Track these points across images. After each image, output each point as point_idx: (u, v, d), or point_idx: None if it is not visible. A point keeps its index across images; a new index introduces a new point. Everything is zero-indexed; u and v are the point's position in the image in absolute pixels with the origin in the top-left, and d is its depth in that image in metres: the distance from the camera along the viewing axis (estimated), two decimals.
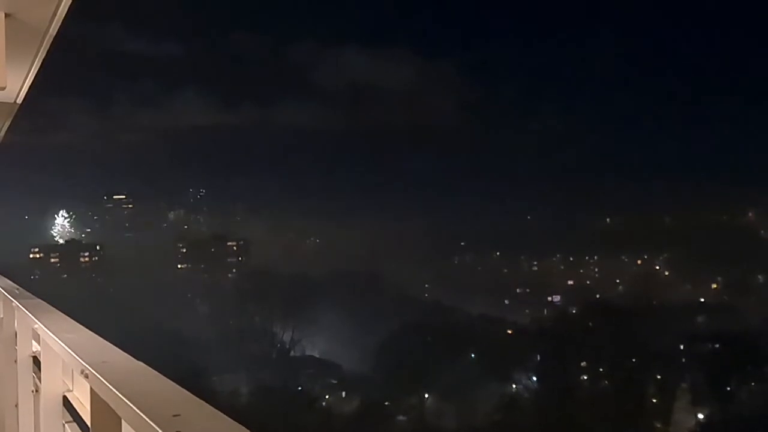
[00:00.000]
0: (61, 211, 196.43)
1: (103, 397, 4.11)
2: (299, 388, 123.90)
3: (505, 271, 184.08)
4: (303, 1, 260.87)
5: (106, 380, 4.11)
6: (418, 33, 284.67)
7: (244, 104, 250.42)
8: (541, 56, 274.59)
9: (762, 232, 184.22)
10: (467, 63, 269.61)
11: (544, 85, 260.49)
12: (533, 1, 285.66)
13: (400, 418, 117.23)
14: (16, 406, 8.27)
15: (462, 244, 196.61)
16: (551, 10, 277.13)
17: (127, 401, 3.65)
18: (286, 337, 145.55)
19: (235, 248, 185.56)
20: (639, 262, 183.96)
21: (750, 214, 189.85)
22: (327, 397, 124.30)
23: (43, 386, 6.78)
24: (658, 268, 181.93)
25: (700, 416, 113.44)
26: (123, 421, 3.83)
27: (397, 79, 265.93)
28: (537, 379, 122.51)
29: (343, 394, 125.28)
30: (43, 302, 8.59)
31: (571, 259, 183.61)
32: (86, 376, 4.64)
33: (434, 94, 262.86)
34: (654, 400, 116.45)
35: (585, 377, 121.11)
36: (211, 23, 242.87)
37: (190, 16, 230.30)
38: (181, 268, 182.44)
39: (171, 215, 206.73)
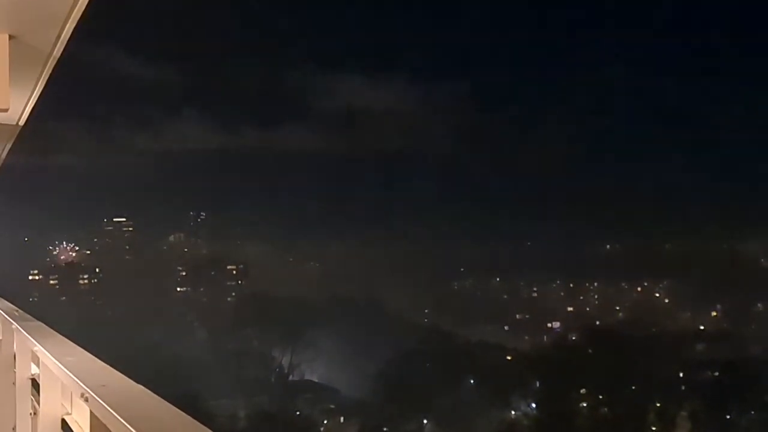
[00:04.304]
0: (60, 234, 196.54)
1: (103, 421, 4.09)
2: (297, 413, 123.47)
3: (505, 296, 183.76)
4: (302, 26, 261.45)
5: (106, 404, 4.09)
6: (417, 57, 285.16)
7: (244, 128, 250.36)
8: (541, 81, 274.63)
9: (762, 260, 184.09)
10: (466, 88, 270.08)
11: (544, 110, 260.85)
12: (534, 26, 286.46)
13: None
14: (14, 428, 8.23)
15: (461, 269, 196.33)
16: (551, 35, 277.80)
17: (127, 425, 3.63)
18: (285, 361, 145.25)
19: (234, 272, 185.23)
20: (639, 289, 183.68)
21: (750, 243, 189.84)
22: (325, 422, 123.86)
23: (42, 409, 6.74)
24: (658, 295, 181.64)
25: None
26: None
27: (397, 104, 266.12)
28: (536, 405, 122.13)
29: (342, 419, 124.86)
30: (43, 324, 8.56)
31: (571, 285, 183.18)
32: (86, 400, 4.62)
33: (434, 118, 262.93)
34: (654, 428, 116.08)
35: (584, 404, 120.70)
36: (212, 47, 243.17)
37: (190, 39, 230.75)
38: (180, 291, 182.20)
39: (171, 238, 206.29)
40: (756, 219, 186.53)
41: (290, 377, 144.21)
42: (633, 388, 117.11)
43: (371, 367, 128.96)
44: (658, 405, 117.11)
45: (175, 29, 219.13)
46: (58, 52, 7.26)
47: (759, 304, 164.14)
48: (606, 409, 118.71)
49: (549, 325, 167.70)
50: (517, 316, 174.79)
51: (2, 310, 10.33)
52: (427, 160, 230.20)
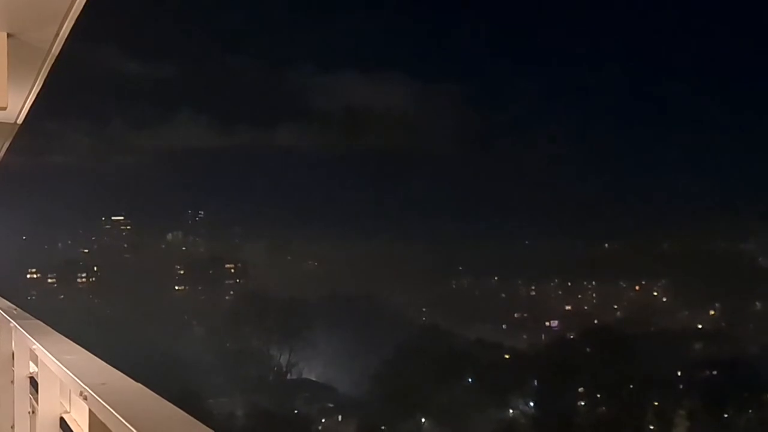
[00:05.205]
0: (59, 232, 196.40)
1: (102, 419, 4.08)
2: (295, 412, 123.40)
3: (503, 295, 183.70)
4: (301, 25, 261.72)
5: (105, 402, 4.08)
6: (417, 57, 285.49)
7: (242, 126, 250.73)
8: (541, 81, 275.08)
9: (760, 259, 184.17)
10: (467, 87, 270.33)
11: (543, 110, 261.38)
12: (534, 26, 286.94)
13: None
14: (12, 427, 8.22)
15: (460, 268, 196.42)
16: (552, 35, 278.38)
17: (126, 423, 3.62)
18: (283, 359, 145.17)
19: (232, 270, 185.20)
20: (637, 287, 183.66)
21: (749, 242, 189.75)
22: (323, 420, 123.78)
23: (40, 407, 6.73)
24: (656, 294, 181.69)
25: None
26: None
27: (396, 103, 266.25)
28: (534, 404, 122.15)
29: (340, 417, 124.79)
30: (41, 323, 8.54)
31: (569, 284, 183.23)
32: (85, 398, 4.61)
33: (433, 118, 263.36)
34: (651, 427, 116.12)
35: (582, 403, 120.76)
36: (210, 46, 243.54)
37: (189, 38, 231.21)
38: (178, 289, 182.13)
39: (169, 237, 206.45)
40: (754, 218, 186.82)
41: (288, 376, 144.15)
42: (631, 386, 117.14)
43: (369, 366, 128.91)
44: (656, 404, 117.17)
45: (173, 28, 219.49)
46: (56, 50, 7.25)
47: (757, 303, 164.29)
48: (604, 407, 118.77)
49: (547, 323, 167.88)
50: (516, 314, 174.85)
51: (0, 308, 10.31)
52: (425, 158, 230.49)
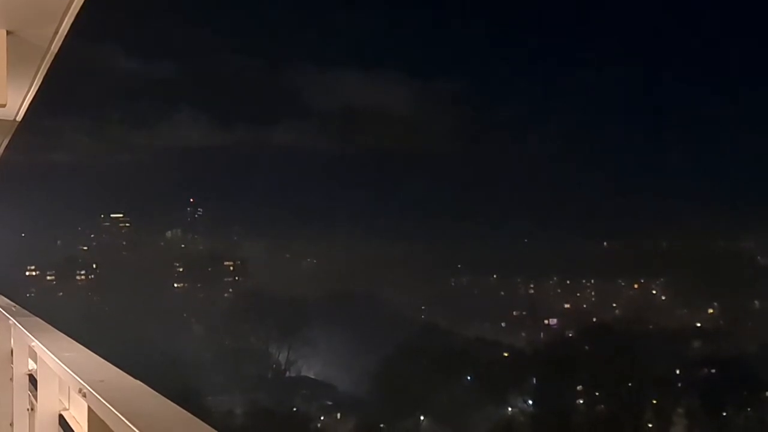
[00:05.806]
0: (58, 230, 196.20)
1: (101, 416, 4.08)
2: (294, 409, 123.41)
3: (502, 293, 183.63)
4: (299, 23, 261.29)
5: (104, 399, 4.08)
6: (415, 55, 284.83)
7: (241, 125, 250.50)
8: (539, 79, 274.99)
9: (759, 257, 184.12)
10: (466, 86, 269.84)
11: (542, 108, 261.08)
12: (531, 25, 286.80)
13: None
14: (11, 424, 8.21)
15: (459, 266, 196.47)
16: (549, 33, 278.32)
17: (125, 420, 3.63)
18: (282, 357, 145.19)
19: (231, 268, 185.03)
20: (636, 286, 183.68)
21: (747, 240, 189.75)
22: (322, 418, 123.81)
23: (39, 404, 6.73)
24: (654, 292, 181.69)
25: None
26: None
27: (394, 102, 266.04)
28: (533, 402, 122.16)
29: (338, 415, 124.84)
30: (40, 320, 8.53)
31: (568, 282, 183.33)
32: (84, 395, 4.61)
33: (431, 116, 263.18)
34: (650, 425, 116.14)
35: (581, 401, 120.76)
36: (210, 44, 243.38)
37: (188, 36, 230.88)
38: (177, 287, 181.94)
39: (168, 234, 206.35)
40: (753, 216, 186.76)
41: (287, 374, 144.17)
42: (630, 385, 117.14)
43: (368, 364, 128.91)
44: (654, 402, 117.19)
45: (173, 26, 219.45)
46: (55, 47, 7.24)
47: (756, 302, 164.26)
48: (603, 406, 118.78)
49: (546, 322, 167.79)
50: (514, 313, 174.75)
51: None
52: (424, 157, 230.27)
